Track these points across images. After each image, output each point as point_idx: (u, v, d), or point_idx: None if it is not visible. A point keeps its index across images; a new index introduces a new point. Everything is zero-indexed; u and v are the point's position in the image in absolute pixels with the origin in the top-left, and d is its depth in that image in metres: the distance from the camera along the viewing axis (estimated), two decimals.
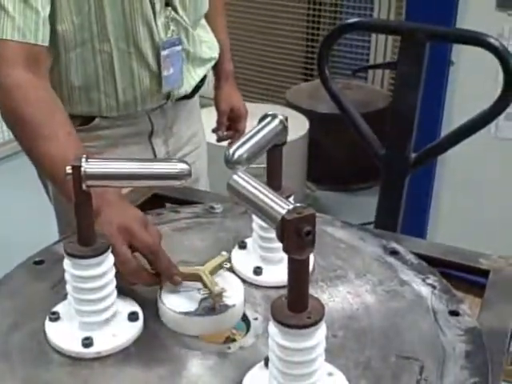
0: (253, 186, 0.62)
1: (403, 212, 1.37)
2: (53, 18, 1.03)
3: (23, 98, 0.95)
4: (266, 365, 0.66)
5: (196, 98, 1.37)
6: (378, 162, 1.36)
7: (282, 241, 0.56)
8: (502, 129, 1.94)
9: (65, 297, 0.77)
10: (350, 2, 3.58)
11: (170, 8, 1.16)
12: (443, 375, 0.69)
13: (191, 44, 1.23)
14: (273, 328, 0.61)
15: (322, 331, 0.61)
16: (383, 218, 1.32)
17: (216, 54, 1.33)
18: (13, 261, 0.90)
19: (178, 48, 1.19)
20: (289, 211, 0.56)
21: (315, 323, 0.59)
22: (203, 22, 1.32)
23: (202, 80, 1.31)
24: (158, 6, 1.13)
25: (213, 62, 1.33)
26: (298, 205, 0.58)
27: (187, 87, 1.25)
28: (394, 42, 3.29)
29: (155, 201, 1.11)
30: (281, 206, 0.58)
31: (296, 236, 0.56)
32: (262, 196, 0.60)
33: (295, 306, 0.59)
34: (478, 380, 0.68)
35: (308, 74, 3.74)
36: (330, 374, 0.67)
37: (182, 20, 1.19)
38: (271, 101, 3.58)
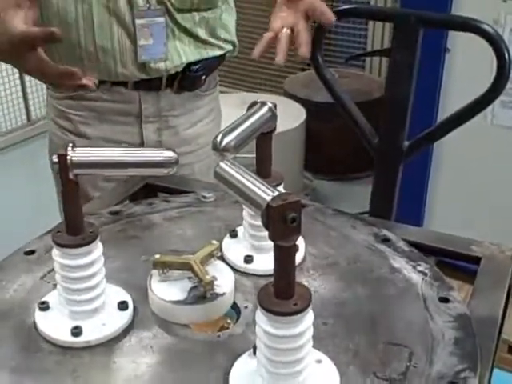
0: (239, 174, 0.62)
1: (399, 200, 1.37)
2: None
3: None
4: (255, 353, 0.66)
5: (206, 95, 1.33)
6: (371, 151, 1.36)
7: (267, 228, 0.56)
8: (498, 116, 1.94)
9: (55, 286, 0.77)
10: None
11: None
12: (432, 362, 0.69)
13: (175, 24, 1.20)
14: (260, 315, 0.61)
15: (308, 318, 0.61)
16: (377, 207, 1.32)
17: (219, 50, 1.28)
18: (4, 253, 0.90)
19: (161, 19, 1.16)
20: (274, 198, 0.56)
21: (302, 310, 0.59)
22: (223, 20, 1.28)
23: (198, 68, 1.27)
24: None
25: (214, 52, 1.27)
26: (284, 192, 0.57)
27: (169, 64, 1.21)
28: (391, 29, 3.27)
29: (148, 190, 1.10)
30: (266, 193, 0.57)
31: (281, 223, 0.55)
32: (248, 183, 0.60)
33: (282, 293, 0.59)
34: (466, 366, 0.68)
35: (306, 64, 3.72)
36: (319, 361, 0.67)
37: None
38: (269, 90, 3.57)
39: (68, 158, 0.65)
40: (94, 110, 1.26)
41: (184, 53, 1.22)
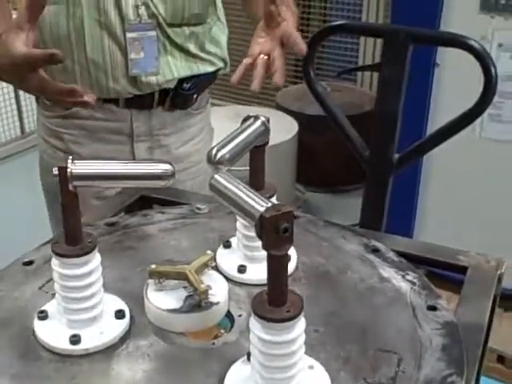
0: (234, 186, 0.64)
1: (389, 212, 1.40)
2: None
3: None
4: (249, 359, 0.68)
5: (198, 113, 1.35)
6: (362, 163, 1.39)
7: (260, 238, 0.59)
8: (486, 129, 1.97)
9: (53, 296, 0.79)
10: (338, 5, 3.62)
11: None
12: (420, 367, 0.71)
13: (166, 39, 1.23)
14: (254, 322, 0.63)
15: (301, 324, 0.63)
16: (368, 218, 1.35)
17: (210, 66, 1.31)
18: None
19: (152, 33, 1.19)
20: (267, 209, 0.59)
21: (294, 317, 0.61)
22: (213, 34, 1.31)
23: (190, 87, 1.29)
24: None
25: (205, 67, 1.30)
26: (277, 203, 0.60)
27: (161, 78, 1.24)
28: (382, 44, 3.34)
29: (143, 202, 1.13)
30: (259, 204, 0.60)
31: (274, 233, 0.58)
32: (242, 195, 0.63)
33: (275, 300, 0.62)
34: (453, 371, 0.70)
35: (298, 77, 3.77)
36: (311, 367, 0.69)
37: (156, 9, 1.19)
38: (261, 103, 3.61)
39: (68, 170, 0.67)
40: (86, 129, 1.28)
41: (176, 68, 1.24)
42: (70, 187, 0.68)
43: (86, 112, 1.25)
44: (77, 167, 0.68)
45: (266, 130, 0.81)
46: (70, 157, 0.68)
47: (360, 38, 3.46)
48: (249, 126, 0.80)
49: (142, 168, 0.71)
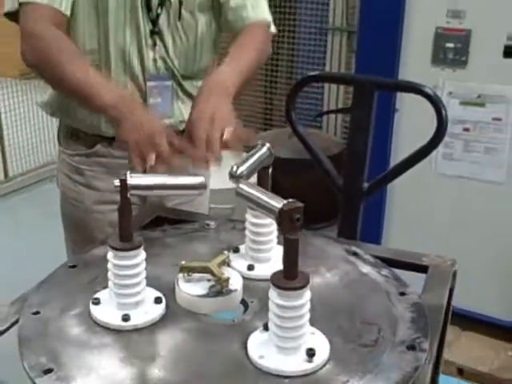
0: (255, 190, 0.86)
1: (360, 233, 1.62)
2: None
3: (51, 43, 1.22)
4: (265, 329, 0.88)
5: None
6: (337, 191, 1.62)
7: (279, 225, 0.80)
8: (440, 166, 2.26)
9: (100, 289, 0.98)
10: (304, 58, 3.93)
11: (157, 39, 1.37)
12: (395, 333, 0.92)
13: (178, 86, 1.44)
14: (272, 292, 0.83)
15: (308, 294, 0.84)
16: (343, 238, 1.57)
17: None
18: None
19: (168, 83, 1.41)
20: (284, 205, 0.80)
21: (303, 286, 0.82)
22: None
23: None
24: (147, 29, 1.36)
25: None
26: (290, 200, 0.82)
27: (173, 121, 1.44)
28: (344, 90, 3.65)
29: (158, 222, 1.33)
30: (278, 202, 0.82)
31: (290, 221, 0.79)
32: (263, 196, 0.84)
33: (289, 274, 0.83)
34: (420, 335, 0.92)
35: (267, 124, 4.04)
36: (313, 333, 0.90)
37: (171, 63, 1.41)
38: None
39: (128, 182, 0.88)
40: (105, 166, 1.47)
41: (185, 111, 1.46)
42: (128, 195, 0.89)
43: (105, 151, 1.45)
44: (133, 180, 0.89)
45: (270, 154, 1.04)
46: (128, 171, 0.89)
47: (324, 86, 3.77)
48: (258, 150, 1.02)
49: (182, 180, 0.92)
